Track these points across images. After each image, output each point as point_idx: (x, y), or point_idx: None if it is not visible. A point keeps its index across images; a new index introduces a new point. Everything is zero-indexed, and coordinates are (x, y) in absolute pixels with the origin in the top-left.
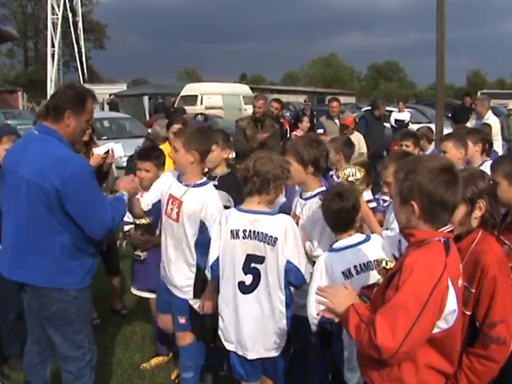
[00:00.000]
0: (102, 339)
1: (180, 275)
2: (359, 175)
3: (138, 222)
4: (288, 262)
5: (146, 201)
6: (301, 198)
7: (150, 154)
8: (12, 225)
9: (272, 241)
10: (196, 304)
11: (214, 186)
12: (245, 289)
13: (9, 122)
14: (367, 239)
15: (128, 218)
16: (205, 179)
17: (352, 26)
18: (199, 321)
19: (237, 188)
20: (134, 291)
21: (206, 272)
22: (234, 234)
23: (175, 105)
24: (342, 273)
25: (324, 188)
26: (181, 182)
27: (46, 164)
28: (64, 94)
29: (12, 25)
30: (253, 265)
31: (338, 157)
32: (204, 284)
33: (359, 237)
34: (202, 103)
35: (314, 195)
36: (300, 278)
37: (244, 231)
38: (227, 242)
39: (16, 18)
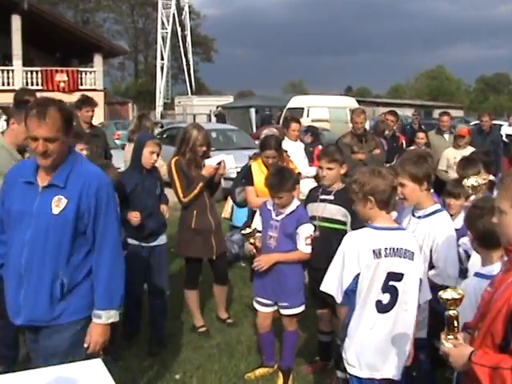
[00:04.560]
0: (207, 347)
1: None
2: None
3: (243, 232)
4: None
5: None
6: (413, 215)
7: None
8: None
9: (411, 255)
10: None
11: (330, 200)
12: (382, 308)
13: (119, 133)
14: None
15: None
16: None
17: (462, 37)
18: None
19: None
20: (259, 307)
21: (339, 297)
22: (377, 254)
23: (282, 117)
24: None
25: (438, 206)
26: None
27: None
28: None
29: (124, 40)
30: (391, 283)
31: None
32: None
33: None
34: (308, 116)
35: (430, 214)
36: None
37: (386, 249)
38: (369, 263)
39: (128, 33)
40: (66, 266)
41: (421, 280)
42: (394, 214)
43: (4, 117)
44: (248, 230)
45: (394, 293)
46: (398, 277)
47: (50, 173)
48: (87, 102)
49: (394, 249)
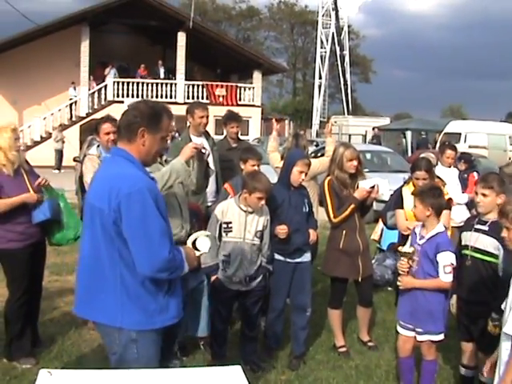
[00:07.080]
0: (346, 367)
1: None
2: None
3: (403, 249)
4: None
5: None
6: None
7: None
8: (81, 258)
9: None
10: None
11: (484, 231)
12: None
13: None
14: None
15: None
16: None
17: None
18: None
19: None
20: (400, 329)
21: None
22: None
23: (438, 142)
24: None
25: None
26: None
27: (107, 184)
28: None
29: (283, 57)
30: None
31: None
32: None
33: None
34: (465, 141)
35: None
36: None
37: None
38: None
39: (287, 51)
40: None
41: None
42: None
43: (97, 143)
44: (409, 249)
45: None
46: None
47: None
48: (232, 118)
49: None
